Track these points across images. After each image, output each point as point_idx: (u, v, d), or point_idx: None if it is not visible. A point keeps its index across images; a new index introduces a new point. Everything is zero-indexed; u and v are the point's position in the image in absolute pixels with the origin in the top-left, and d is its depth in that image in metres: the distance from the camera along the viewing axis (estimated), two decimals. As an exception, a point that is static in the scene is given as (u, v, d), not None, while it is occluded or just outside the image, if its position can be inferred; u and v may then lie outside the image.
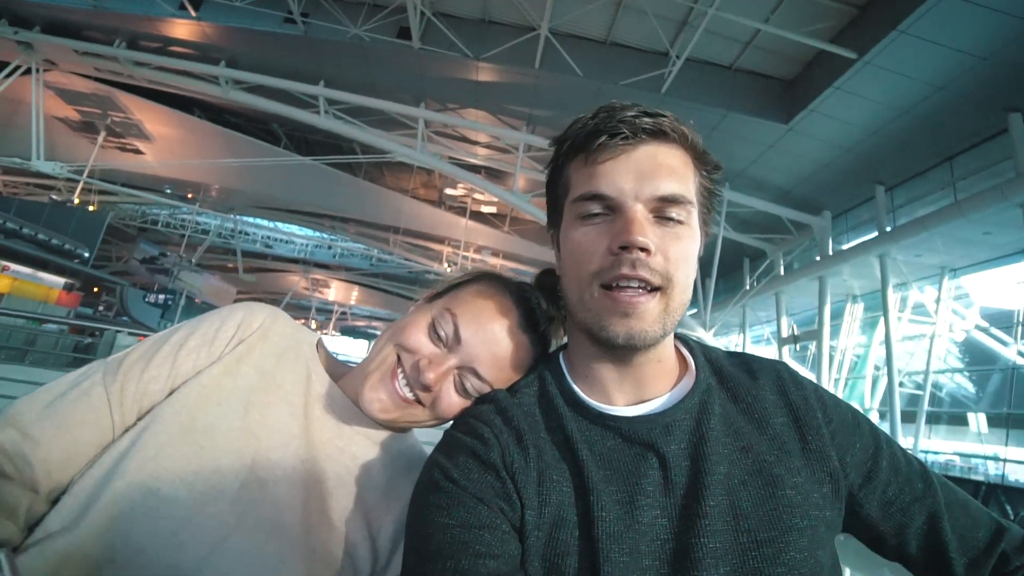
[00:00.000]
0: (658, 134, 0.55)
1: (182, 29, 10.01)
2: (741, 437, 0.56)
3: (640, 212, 0.53)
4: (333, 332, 33.17)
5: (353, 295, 29.64)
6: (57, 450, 0.54)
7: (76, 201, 17.53)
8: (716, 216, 0.62)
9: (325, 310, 32.72)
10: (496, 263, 19.12)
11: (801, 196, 10.31)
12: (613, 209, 0.55)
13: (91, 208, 18.78)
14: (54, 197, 18.85)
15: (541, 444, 0.56)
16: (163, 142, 15.34)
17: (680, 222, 0.55)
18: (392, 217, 18.05)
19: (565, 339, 0.70)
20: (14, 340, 6.89)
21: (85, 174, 13.76)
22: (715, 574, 0.48)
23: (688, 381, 0.61)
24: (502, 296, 0.68)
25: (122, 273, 23.38)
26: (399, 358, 0.66)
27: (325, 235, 24.17)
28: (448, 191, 16.68)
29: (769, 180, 10.10)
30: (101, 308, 20.26)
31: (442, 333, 0.65)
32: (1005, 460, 10.51)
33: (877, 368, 11.72)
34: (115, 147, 15.98)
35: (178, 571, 0.50)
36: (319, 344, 0.75)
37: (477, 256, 19.34)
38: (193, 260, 23.05)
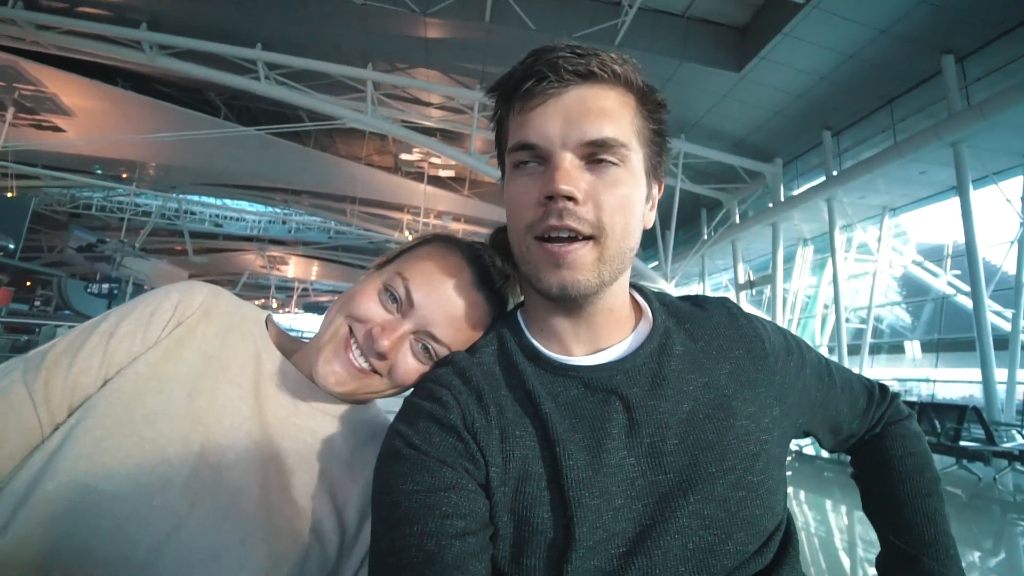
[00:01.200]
0: (588, 76, 0.53)
1: (91, -13, 8.99)
2: (704, 373, 0.57)
3: (568, 160, 0.51)
4: (296, 310, 32.33)
5: (313, 270, 28.81)
6: None
7: (-6, 188, 16.01)
8: (670, 162, 0.61)
9: (286, 288, 31.76)
10: (457, 228, 18.87)
11: (754, 144, 10.55)
12: (543, 158, 0.53)
13: (10, 194, 17.20)
14: (-33, 185, 17.15)
15: (502, 401, 0.56)
16: (85, 117, 14.00)
17: (615, 165, 0.52)
18: (347, 187, 17.41)
19: (522, 296, 0.69)
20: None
21: (-1, 157, 12.51)
22: (685, 504, 0.50)
23: (645, 327, 0.61)
24: (454, 255, 0.67)
25: (57, 264, 21.81)
26: (351, 329, 0.64)
27: (278, 210, 23.14)
28: (403, 156, 16.15)
29: (724, 129, 10.25)
30: (38, 303, 18.99)
31: (395, 296, 0.63)
32: (935, 381, 11.57)
33: (826, 307, 12.46)
34: (29, 124, 14.51)
35: (131, 564, 0.48)
36: (268, 320, 0.72)
37: (438, 222, 19.02)
38: (136, 245, 21.66)
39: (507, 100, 0.57)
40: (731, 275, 13.08)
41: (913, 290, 12.74)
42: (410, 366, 0.63)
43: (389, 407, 0.69)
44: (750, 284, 12.17)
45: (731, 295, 14.20)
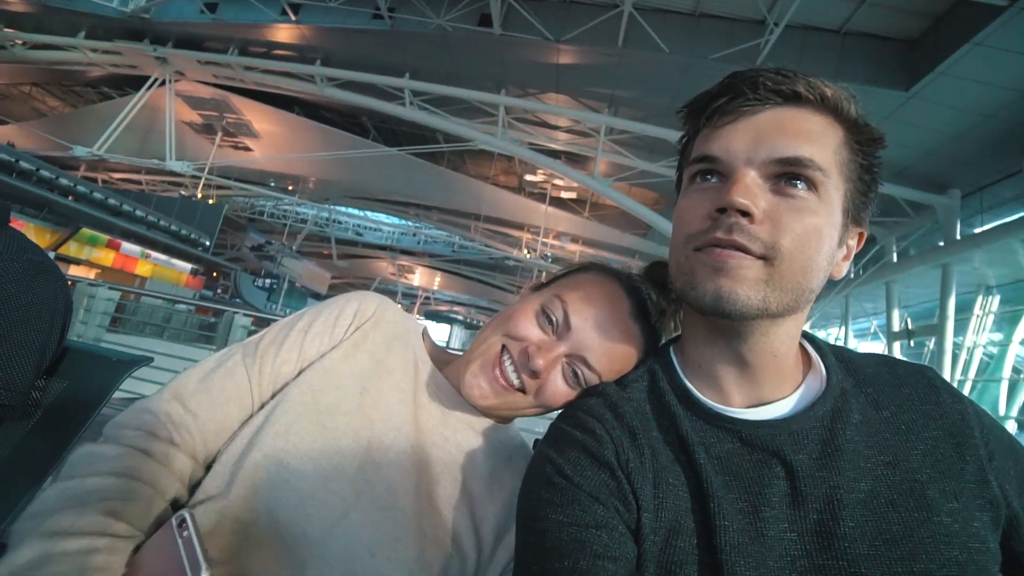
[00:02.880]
0: (791, 97, 0.48)
1: (283, 33, 10.90)
2: (886, 451, 0.48)
3: (750, 177, 0.47)
4: (417, 316, 34.83)
5: (436, 280, 30.84)
6: (211, 422, 0.61)
7: (199, 196, 19.85)
8: (873, 207, 0.53)
9: (410, 294, 34.37)
10: (575, 249, 18.93)
11: (923, 173, 9.07)
12: (723, 174, 0.50)
13: (211, 201, 21.18)
14: (182, 193, 21.48)
15: (655, 444, 0.52)
16: (267, 139, 16.88)
17: (808, 191, 0.47)
18: (473, 204, 18.46)
19: (676, 333, 0.67)
20: (155, 318, 8.04)
21: (206, 171, 15.52)
22: None
23: (815, 383, 0.54)
24: (612, 284, 0.66)
25: (235, 259, 26.16)
26: (505, 346, 0.65)
27: (410, 223, 25.29)
28: (528, 177, 16.71)
29: (884, 156, 8.97)
30: (219, 291, 22.86)
31: (552, 319, 0.64)
32: None
33: (1017, 371, 10.15)
34: (229, 146, 17.85)
35: (307, 539, 0.54)
36: (425, 333, 0.78)
37: (556, 242, 19.25)
38: (294, 247, 25.21)
39: (696, 116, 0.54)
40: (881, 321, 11.30)
41: None
42: (559, 388, 0.63)
43: (526, 427, 0.71)
44: (908, 333, 10.39)
45: (881, 345, 12.26)
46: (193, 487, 0.59)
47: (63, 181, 13.75)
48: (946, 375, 9.01)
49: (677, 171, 0.60)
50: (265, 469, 0.57)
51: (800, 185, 0.47)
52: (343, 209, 25.53)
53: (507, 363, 0.65)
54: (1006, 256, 8.42)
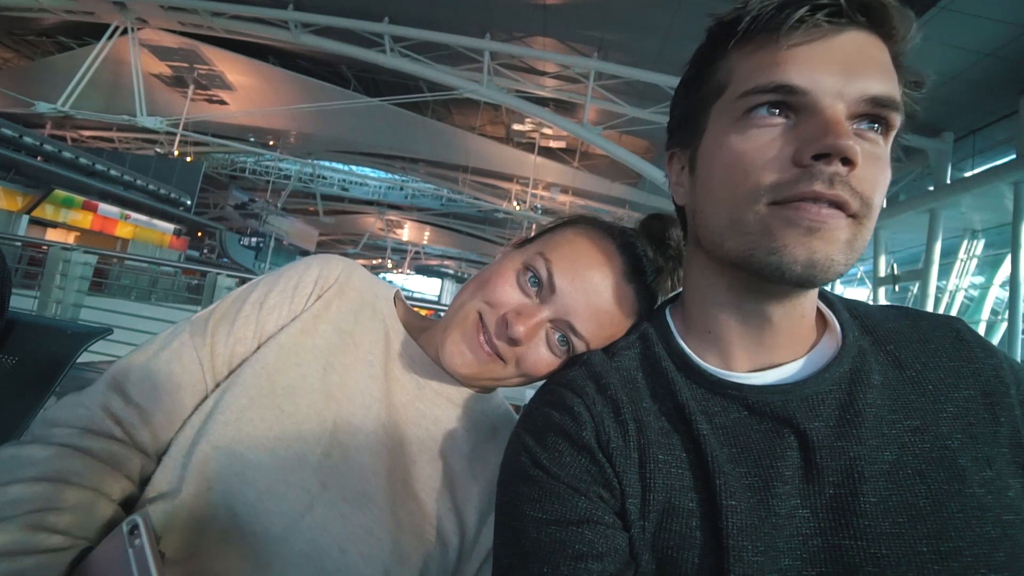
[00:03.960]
0: (876, 20, 0.41)
1: (252, -27, 10.15)
2: (913, 414, 0.44)
3: (843, 113, 0.40)
4: (408, 271, 34.74)
5: (425, 235, 30.54)
6: (159, 412, 0.55)
7: (176, 153, 19.12)
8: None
9: (400, 250, 34.10)
10: (565, 200, 18.71)
11: (916, 116, 8.93)
12: (801, 109, 0.41)
13: (188, 159, 20.46)
14: (158, 150, 20.67)
15: (643, 416, 0.48)
16: (243, 91, 16.08)
17: (883, 133, 0.42)
18: (460, 156, 18.00)
19: (672, 293, 0.61)
20: (141, 281, 7.94)
21: (180, 127, 14.84)
22: None
23: (830, 343, 0.49)
24: (604, 241, 0.59)
25: (219, 219, 25.55)
26: (485, 312, 0.59)
27: (397, 176, 24.70)
28: (516, 127, 16.23)
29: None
30: (205, 251, 22.50)
31: (535, 279, 0.57)
32: None
33: (995, 312, 10.46)
34: (203, 99, 17.01)
35: (268, 537, 0.50)
36: (397, 297, 0.70)
37: (546, 193, 18.99)
38: (278, 205, 24.65)
39: (748, 35, 0.43)
40: (867, 267, 11.49)
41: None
42: (542, 357, 0.57)
43: (511, 396, 0.66)
44: (893, 279, 10.58)
45: (866, 291, 12.51)
46: (146, 482, 0.54)
47: (28, 140, 13.09)
48: (927, 318, 9.24)
49: (683, 108, 0.51)
50: (216, 462, 0.51)
51: (878, 129, 0.42)
52: (327, 164, 24.82)
53: (485, 331, 0.59)
54: (993, 200, 8.47)
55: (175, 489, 0.51)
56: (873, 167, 0.41)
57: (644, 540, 0.43)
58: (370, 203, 27.31)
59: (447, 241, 30.12)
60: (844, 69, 0.41)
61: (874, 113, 0.41)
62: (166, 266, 11.33)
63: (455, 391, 0.64)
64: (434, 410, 0.63)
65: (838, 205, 0.40)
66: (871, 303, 0.55)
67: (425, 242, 32.24)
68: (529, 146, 16.41)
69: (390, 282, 0.77)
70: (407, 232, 30.71)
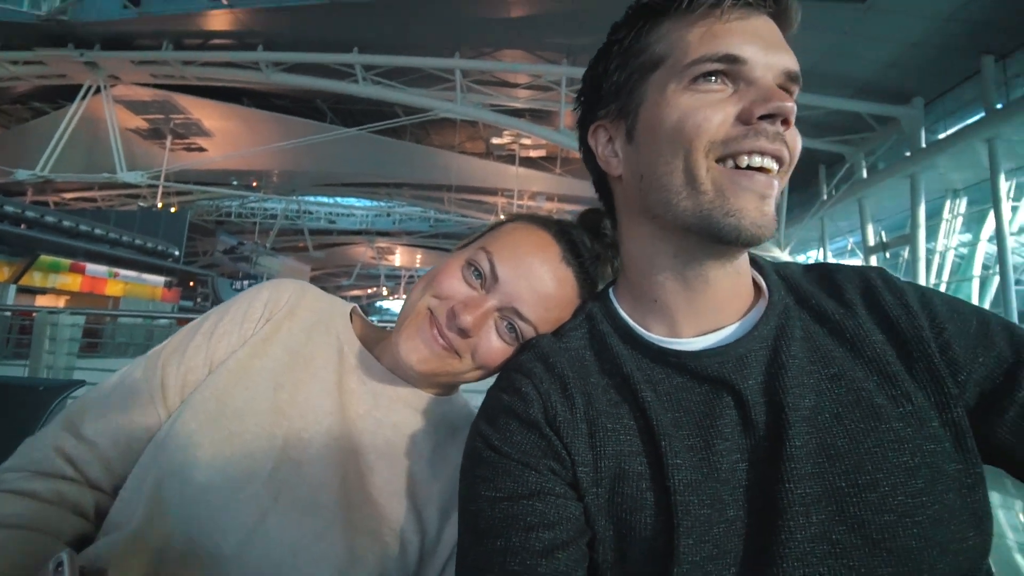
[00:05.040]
0: (780, 9, 0.49)
1: (218, 20, 10.27)
2: (831, 363, 0.47)
3: (773, 83, 0.46)
4: (403, 295, 34.68)
5: (418, 258, 30.61)
6: (113, 447, 0.56)
7: (160, 205, 19.14)
8: None
9: (393, 276, 34.12)
10: (552, 207, 18.81)
11: (885, 86, 9.10)
12: (736, 79, 0.46)
13: (173, 210, 20.47)
14: (141, 204, 20.69)
15: (591, 390, 0.50)
16: (221, 136, 16.18)
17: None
18: (443, 175, 18.12)
19: (611, 279, 0.63)
20: (136, 336, 7.89)
21: (162, 178, 14.89)
22: (807, 524, 0.41)
23: (761, 303, 0.52)
24: (540, 231, 0.62)
25: (210, 265, 25.53)
26: (434, 307, 0.60)
27: (383, 203, 24.83)
28: (494, 140, 16.39)
29: (845, 73, 8.97)
30: (199, 299, 22.42)
31: (478, 272, 0.60)
32: None
33: (986, 267, 10.55)
34: (182, 148, 17.11)
35: (222, 554, 0.50)
36: (354, 312, 0.72)
37: (532, 203, 19.09)
38: (267, 244, 24.66)
39: (686, 8, 0.48)
40: (856, 237, 11.58)
41: (1113, 242, 10.30)
42: (494, 346, 0.59)
43: (477, 398, 0.68)
44: (883, 246, 10.68)
45: (858, 259, 12.60)
46: (103, 518, 0.55)
47: (9, 209, 13.09)
48: (922, 281, 9.35)
49: (615, 79, 0.53)
50: (170, 488, 0.52)
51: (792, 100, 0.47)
52: (312, 199, 24.91)
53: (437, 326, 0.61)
54: (970, 158, 8.61)
55: (130, 520, 0.52)
56: (794, 130, 0.47)
57: (599, 506, 0.46)
58: (359, 233, 27.38)
59: (440, 262, 30.14)
60: (768, 46, 0.47)
61: (786, 86, 0.47)
62: (160, 318, 11.27)
63: (413, 396, 0.65)
64: (392, 416, 0.63)
65: (778, 158, 0.45)
66: (796, 263, 0.59)
67: (418, 265, 32.29)
68: (510, 158, 16.55)
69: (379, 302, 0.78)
70: (399, 257, 30.77)
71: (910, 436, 0.43)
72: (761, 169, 0.45)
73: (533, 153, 16.87)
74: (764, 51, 0.46)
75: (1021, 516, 3.07)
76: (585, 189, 16.81)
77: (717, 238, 0.46)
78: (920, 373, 0.46)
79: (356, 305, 0.73)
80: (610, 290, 0.59)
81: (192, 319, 0.71)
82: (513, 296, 0.58)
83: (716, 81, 0.46)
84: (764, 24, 0.48)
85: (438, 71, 10.48)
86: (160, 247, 18.10)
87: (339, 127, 14.69)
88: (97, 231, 15.72)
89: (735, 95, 0.46)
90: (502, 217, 0.74)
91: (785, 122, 0.45)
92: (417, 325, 0.60)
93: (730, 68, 0.46)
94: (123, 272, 16.86)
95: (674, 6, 0.48)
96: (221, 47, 10.89)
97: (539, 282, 0.59)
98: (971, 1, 7.04)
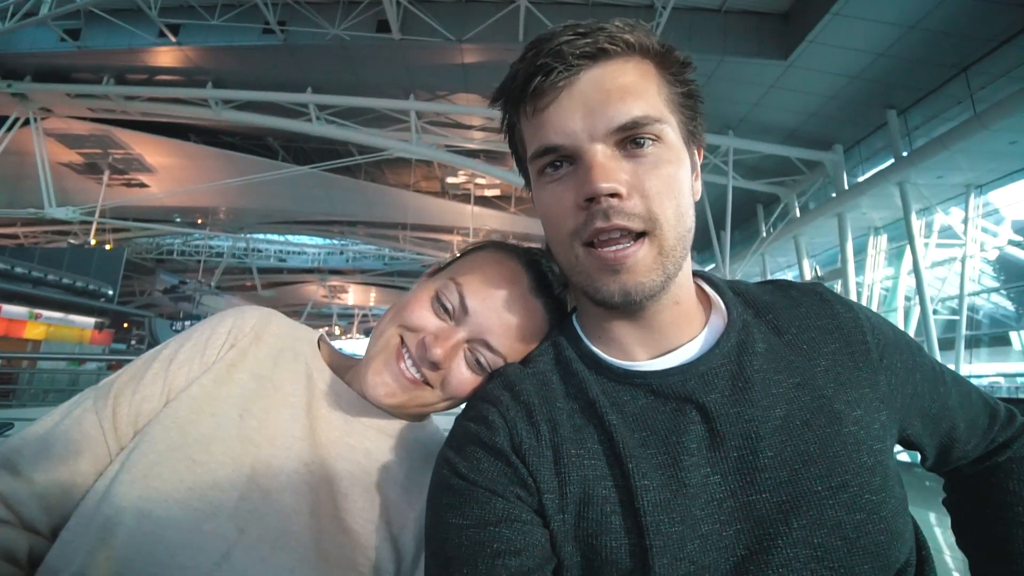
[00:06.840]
0: (599, 55, 0.47)
1: (165, 56, 10.03)
2: (794, 372, 0.49)
3: (601, 152, 0.46)
4: (357, 335, 33.64)
5: (372, 296, 29.93)
6: (53, 485, 0.51)
7: (93, 242, 17.93)
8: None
9: (346, 315, 33.15)
10: (507, 245, 19.03)
11: (809, 133, 9.98)
12: (572, 157, 0.47)
13: (108, 247, 19.21)
14: (71, 241, 19.36)
15: (556, 416, 0.50)
16: (165, 172, 15.50)
17: (653, 144, 0.47)
18: (398, 214, 18.05)
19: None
20: (58, 382, 7.17)
21: (97, 214, 14.03)
22: (788, 531, 0.42)
23: (718, 321, 0.54)
24: (509, 261, 0.63)
25: (148, 306, 23.98)
26: (403, 339, 0.60)
27: (336, 241, 24.34)
28: (449, 180, 16.57)
29: (774, 121, 9.79)
30: (134, 342, 20.86)
31: (447, 305, 0.59)
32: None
33: (908, 298, 11.45)
34: (121, 184, 16.22)
35: None
36: (321, 340, 0.71)
37: (487, 241, 19.26)
38: (212, 284, 23.48)
39: (516, 104, 0.51)
40: (795, 271, 12.34)
41: (1014, 274, 11.45)
42: (464, 377, 0.59)
43: (448, 424, 0.68)
44: (817, 280, 11.41)
45: (798, 293, 13.34)
46: (38, 563, 0.49)
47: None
48: (854, 312, 9.93)
49: (516, 161, 0.57)
50: (123, 526, 0.47)
51: (647, 143, 0.47)
52: (261, 236, 24.10)
53: (406, 358, 0.60)
54: (886, 199, 9.48)
55: (71, 564, 0.47)
56: (653, 177, 0.46)
57: (565, 532, 0.46)
58: (310, 271, 26.59)
59: (394, 301, 29.63)
60: (586, 111, 0.46)
61: (632, 135, 0.46)
62: (90, 360, 10.36)
63: (385, 423, 0.64)
64: (364, 443, 0.62)
65: (623, 231, 0.46)
66: (750, 281, 0.62)
67: (372, 304, 31.55)
68: (465, 197, 16.75)
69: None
70: (352, 296, 29.99)
71: (863, 438, 0.46)
72: (613, 241, 0.46)
73: (488, 192, 17.17)
74: (585, 118, 0.46)
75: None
76: (537, 227, 17.09)
77: (603, 305, 0.50)
78: (864, 380, 0.50)
79: (323, 332, 0.71)
80: (573, 317, 0.61)
81: (127, 361, 0.65)
82: (483, 328, 0.59)
83: (560, 167, 0.49)
84: (588, 83, 0.47)
85: (393, 112, 10.61)
86: (92, 286, 16.85)
87: (291, 164, 14.46)
88: (17, 269, 14.48)
89: (574, 176, 0.48)
90: (469, 242, 0.73)
91: (614, 195, 0.45)
92: (385, 359, 0.60)
93: (558, 155, 0.48)
94: (47, 313, 15.51)
95: (507, 104, 0.52)
96: (167, 83, 10.60)
97: (508, 315, 0.59)
98: (875, 61, 7.93)
